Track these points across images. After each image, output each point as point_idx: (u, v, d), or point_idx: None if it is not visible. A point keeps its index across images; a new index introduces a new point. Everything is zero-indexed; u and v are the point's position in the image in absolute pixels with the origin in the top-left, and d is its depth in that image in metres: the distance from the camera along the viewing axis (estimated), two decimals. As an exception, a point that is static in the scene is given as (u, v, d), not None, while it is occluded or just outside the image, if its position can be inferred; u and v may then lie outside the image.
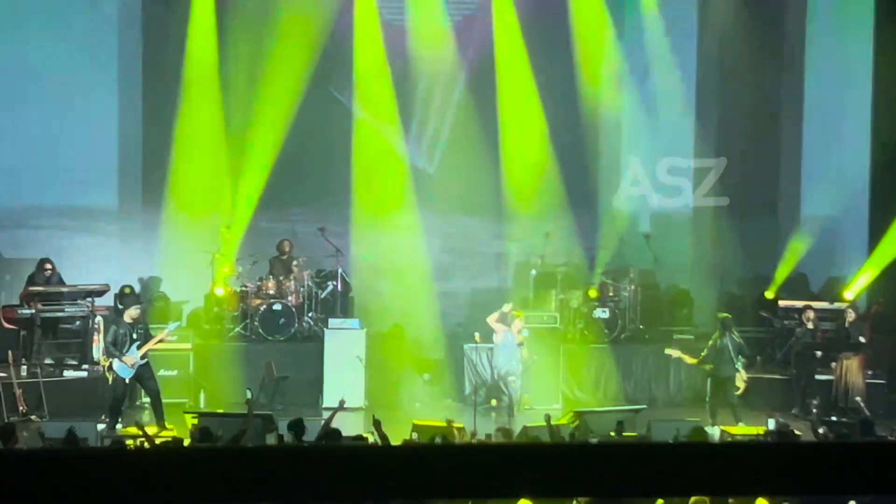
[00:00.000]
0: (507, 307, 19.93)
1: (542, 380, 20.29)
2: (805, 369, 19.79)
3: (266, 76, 21.96)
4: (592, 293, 21.47)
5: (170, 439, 16.40)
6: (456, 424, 15.82)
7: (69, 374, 19.42)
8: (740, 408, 18.62)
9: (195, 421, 16.26)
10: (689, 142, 22.87)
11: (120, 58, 22.19)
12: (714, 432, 18.10)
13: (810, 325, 19.92)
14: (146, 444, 14.90)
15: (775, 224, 22.86)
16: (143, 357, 17.82)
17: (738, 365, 18.60)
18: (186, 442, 15.23)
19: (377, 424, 14.47)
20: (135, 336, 17.81)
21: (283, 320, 20.63)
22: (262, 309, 20.63)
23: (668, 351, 19.46)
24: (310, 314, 21.03)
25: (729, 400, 18.55)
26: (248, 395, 15.89)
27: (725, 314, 19.41)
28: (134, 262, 21.91)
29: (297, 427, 14.25)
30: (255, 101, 22.01)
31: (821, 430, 16.61)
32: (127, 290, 20.70)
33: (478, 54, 22.81)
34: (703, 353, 18.84)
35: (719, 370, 18.71)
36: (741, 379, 18.60)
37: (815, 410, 19.14)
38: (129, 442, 15.62)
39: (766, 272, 22.37)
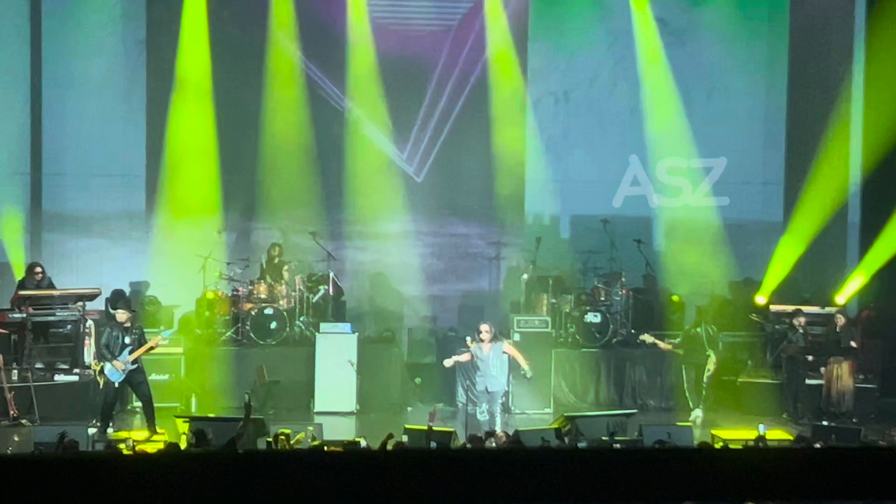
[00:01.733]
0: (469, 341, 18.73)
1: (534, 384, 20.29)
2: (796, 374, 19.82)
3: (259, 80, 21.98)
4: (584, 297, 21.48)
5: (162, 444, 16.42)
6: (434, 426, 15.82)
7: (60, 378, 19.38)
8: (710, 394, 19.85)
9: (187, 425, 16.27)
10: (689, 142, 22.81)
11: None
12: (695, 416, 18.82)
13: (801, 330, 19.96)
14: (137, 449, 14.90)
15: (771, 228, 22.82)
16: (134, 362, 17.80)
17: (710, 352, 19.77)
18: (183, 446, 15.25)
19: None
20: (127, 340, 17.80)
21: (274, 324, 20.62)
22: (253, 313, 20.62)
23: (642, 337, 20.26)
24: (301, 318, 21.02)
25: (702, 384, 19.72)
26: (246, 398, 15.88)
27: (703, 305, 20.74)
28: (124, 266, 21.90)
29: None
30: (248, 105, 22.02)
31: (809, 435, 16.63)
32: (118, 295, 20.66)
33: (472, 56, 22.83)
34: (676, 340, 20.23)
35: (690, 356, 19.93)
36: (712, 362, 19.76)
37: (804, 415, 19.22)
38: (121, 446, 15.60)
39: (758, 276, 22.39)
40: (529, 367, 18.31)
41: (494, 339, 18.27)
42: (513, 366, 20.15)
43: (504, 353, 18.25)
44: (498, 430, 17.11)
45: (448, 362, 18.57)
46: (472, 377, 18.59)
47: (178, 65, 22.14)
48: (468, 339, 19.87)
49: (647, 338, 20.10)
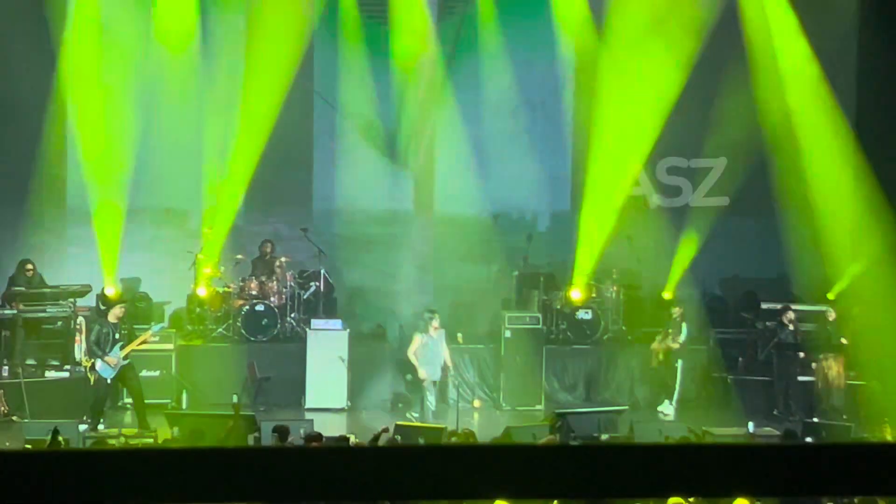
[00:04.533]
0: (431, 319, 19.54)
1: (524, 381, 20.33)
2: (786, 371, 19.84)
3: (249, 76, 21.94)
4: (575, 294, 21.49)
5: (151, 441, 16.41)
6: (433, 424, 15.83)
7: (51, 374, 19.37)
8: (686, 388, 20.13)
9: (178, 421, 16.29)
10: (689, 142, 22.77)
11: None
12: (668, 409, 18.91)
13: (790, 327, 19.98)
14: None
15: (766, 225, 22.78)
16: (125, 357, 17.80)
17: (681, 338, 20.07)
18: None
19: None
20: (118, 336, 17.80)
21: (265, 321, 20.61)
22: (244, 309, 20.61)
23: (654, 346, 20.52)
24: (292, 315, 21.02)
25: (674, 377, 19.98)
26: (235, 399, 15.91)
27: (675, 298, 21.15)
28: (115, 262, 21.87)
29: (281, 432, 14.32)
30: (238, 101, 22.00)
31: (799, 431, 16.66)
32: (109, 291, 20.66)
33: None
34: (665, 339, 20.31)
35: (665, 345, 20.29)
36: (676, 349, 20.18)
37: (795, 412, 19.25)
38: (112, 442, 15.60)
39: (749, 273, 22.41)
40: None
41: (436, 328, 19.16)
42: (504, 362, 20.29)
43: (443, 342, 19.20)
44: (431, 420, 17.99)
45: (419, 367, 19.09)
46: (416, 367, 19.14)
47: (168, 58, 22.11)
48: (459, 335, 19.97)
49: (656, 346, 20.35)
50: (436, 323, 19.20)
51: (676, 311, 20.36)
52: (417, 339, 19.14)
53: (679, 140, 22.59)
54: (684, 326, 19.99)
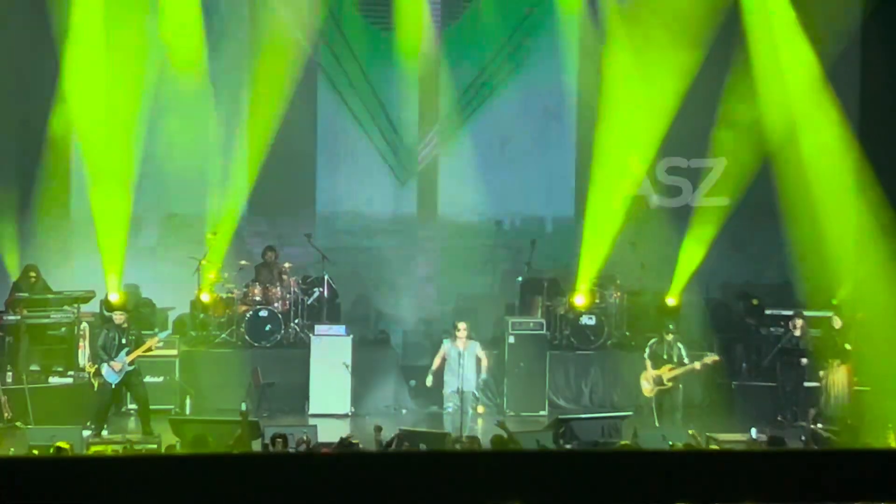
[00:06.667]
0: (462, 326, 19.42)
1: (528, 386, 20.32)
2: (791, 377, 19.81)
3: (253, 81, 21.96)
4: (578, 300, 21.47)
5: (156, 447, 16.40)
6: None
7: (55, 380, 19.38)
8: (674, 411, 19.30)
9: (182, 427, 16.28)
10: (689, 142, 22.73)
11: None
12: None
13: (797, 332, 19.93)
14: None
15: (768, 229, 22.73)
16: (131, 363, 17.80)
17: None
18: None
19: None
20: (124, 341, 17.80)
21: (269, 327, 20.61)
22: (248, 315, 20.62)
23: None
24: (296, 320, 21.02)
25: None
26: (243, 407, 15.91)
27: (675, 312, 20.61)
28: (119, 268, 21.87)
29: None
30: (242, 108, 22.02)
31: (803, 438, 16.64)
32: (113, 296, 20.64)
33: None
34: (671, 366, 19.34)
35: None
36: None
37: (800, 418, 19.21)
38: (116, 448, 15.60)
39: (753, 278, 22.37)
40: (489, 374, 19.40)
41: (469, 337, 18.99)
42: (508, 367, 20.26)
43: (476, 354, 19.01)
44: (465, 432, 17.47)
45: (432, 374, 19.11)
46: (442, 378, 19.09)
47: (171, 64, 22.14)
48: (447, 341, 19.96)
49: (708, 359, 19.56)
50: (461, 333, 19.07)
51: (671, 330, 19.45)
52: (444, 348, 19.23)
53: (679, 140, 22.58)
54: (682, 347, 19.49)
